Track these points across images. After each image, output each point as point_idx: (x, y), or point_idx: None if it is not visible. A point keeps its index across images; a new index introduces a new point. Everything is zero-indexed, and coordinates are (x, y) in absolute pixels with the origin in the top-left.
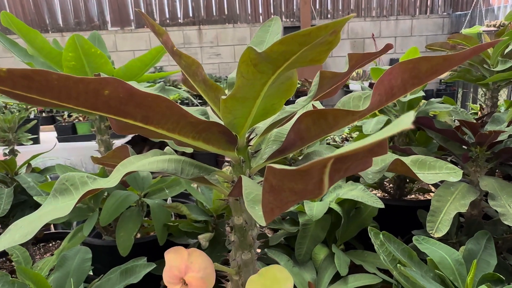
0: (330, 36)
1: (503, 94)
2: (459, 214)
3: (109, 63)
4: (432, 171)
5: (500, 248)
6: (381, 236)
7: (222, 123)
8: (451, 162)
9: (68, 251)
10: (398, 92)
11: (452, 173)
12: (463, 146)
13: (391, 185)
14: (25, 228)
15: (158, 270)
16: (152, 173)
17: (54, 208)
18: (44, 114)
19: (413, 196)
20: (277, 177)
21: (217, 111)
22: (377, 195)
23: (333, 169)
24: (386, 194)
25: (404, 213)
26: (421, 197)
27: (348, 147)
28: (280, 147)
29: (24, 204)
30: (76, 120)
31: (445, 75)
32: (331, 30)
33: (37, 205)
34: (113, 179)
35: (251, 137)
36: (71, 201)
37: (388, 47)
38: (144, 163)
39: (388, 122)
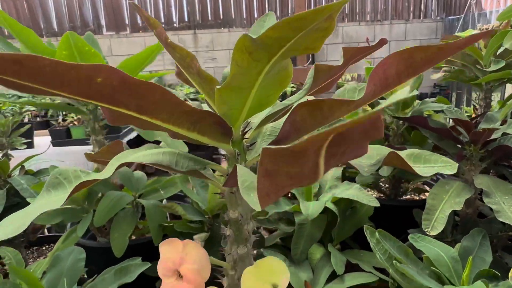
0: (325, 22)
1: (496, 97)
2: (454, 213)
3: (103, 62)
4: (427, 164)
5: (495, 246)
6: (377, 234)
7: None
8: None
9: (61, 252)
10: (392, 82)
11: (447, 166)
12: (458, 145)
13: (386, 185)
14: (17, 221)
15: (153, 271)
16: (147, 173)
17: (46, 202)
18: (38, 119)
19: (408, 196)
20: (272, 159)
21: (212, 103)
22: (373, 195)
23: (329, 153)
24: (382, 194)
25: (399, 213)
26: (416, 197)
27: (343, 123)
28: (275, 138)
29: (17, 206)
30: (71, 124)
31: (438, 76)
32: (327, 14)
33: None
34: (107, 171)
35: (246, 130)
36: (64, 194)
37: (382, 41)
38: (139, 155)
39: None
